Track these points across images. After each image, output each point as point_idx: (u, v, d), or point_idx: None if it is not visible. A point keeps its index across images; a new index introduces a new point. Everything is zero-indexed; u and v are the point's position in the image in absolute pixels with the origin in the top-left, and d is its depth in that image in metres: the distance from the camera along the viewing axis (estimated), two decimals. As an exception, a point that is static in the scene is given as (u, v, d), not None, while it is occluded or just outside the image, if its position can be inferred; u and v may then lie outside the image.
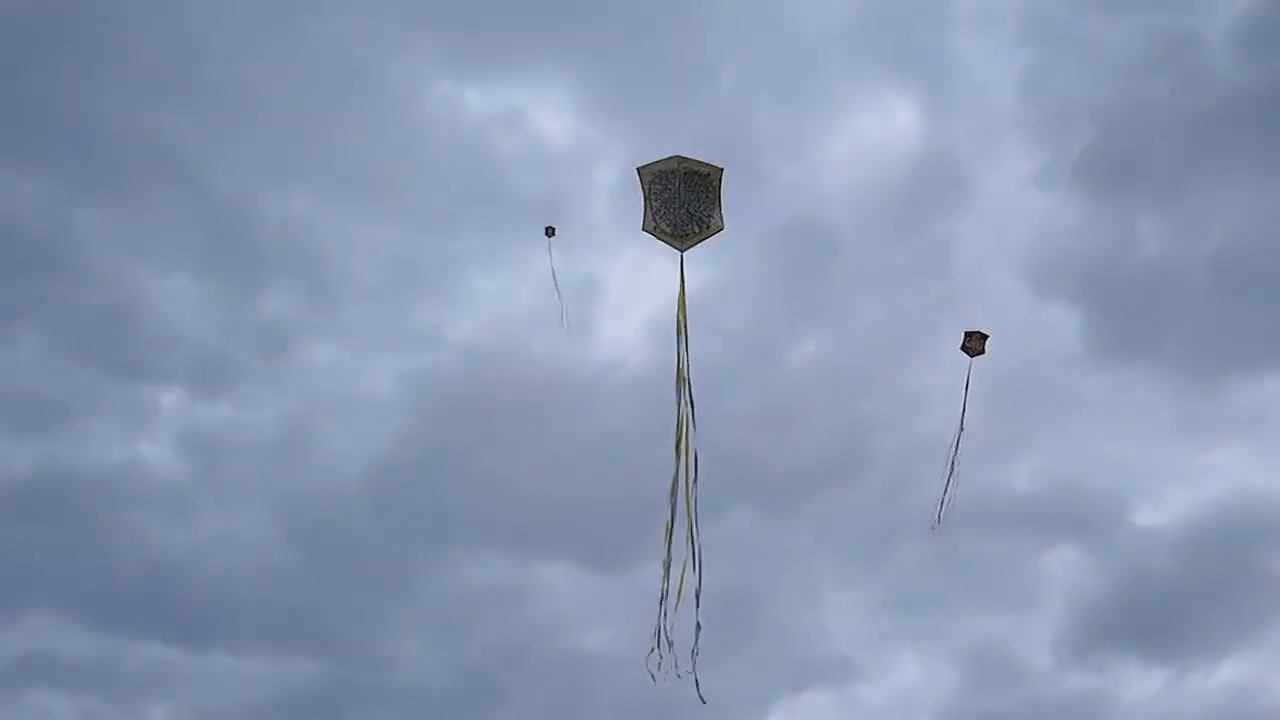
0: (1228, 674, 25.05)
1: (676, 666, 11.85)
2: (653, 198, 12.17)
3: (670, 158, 12.22)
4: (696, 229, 12.19)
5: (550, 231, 13.61)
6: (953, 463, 14.97)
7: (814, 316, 26.62)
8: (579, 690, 24.95)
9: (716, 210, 12.21)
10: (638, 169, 12.26)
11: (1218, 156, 25.03)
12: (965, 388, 15.15)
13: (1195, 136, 24.96)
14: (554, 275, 13.08)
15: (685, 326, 12.25)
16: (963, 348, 15.24)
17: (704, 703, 11.73)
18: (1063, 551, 26.07)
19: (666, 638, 11.85)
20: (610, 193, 25.90)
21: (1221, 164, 25.05)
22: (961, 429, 15.06)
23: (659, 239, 12.25)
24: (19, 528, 25.11)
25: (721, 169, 12.23)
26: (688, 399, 12.21)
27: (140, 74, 25.13)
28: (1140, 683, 25.25)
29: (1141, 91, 25.26)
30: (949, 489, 15.03)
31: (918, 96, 26.79)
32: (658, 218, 12.17)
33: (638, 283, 26.94)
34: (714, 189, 12.19)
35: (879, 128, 27.11)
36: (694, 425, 12.17)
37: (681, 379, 12.19)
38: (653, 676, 11.91)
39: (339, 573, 25.71)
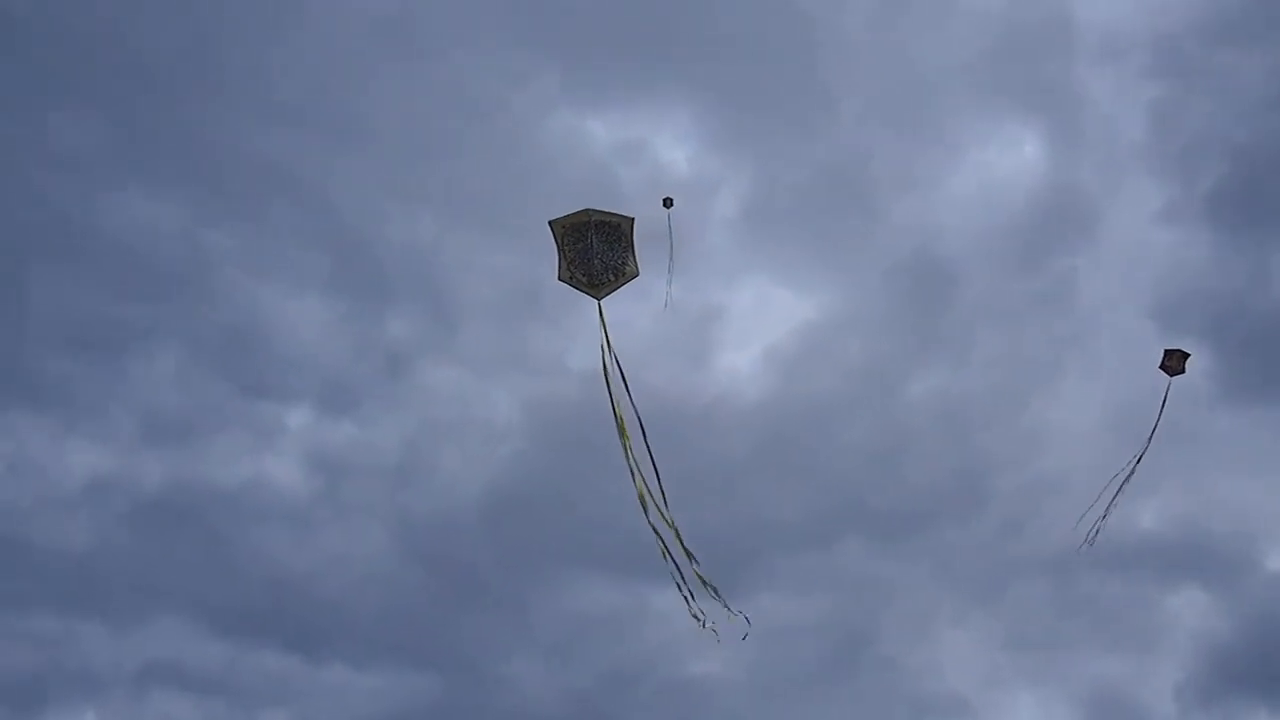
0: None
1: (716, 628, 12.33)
2: (566, 248, 12.51)
3: (581, 211, 12.55)
4: (612, 277, 12.55)
5: (668, 203, 13.72)
6: (1122, 485, 14.67)
7: (933, 351, 26.43)
8: (691, 716, 24.93)
9: (631, 258, 12.56)
10: (549, 222, 12.58)
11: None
12: (1161, 407, 14.88)
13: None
14: (670, 248, 13.19)
15: (610, 375, 12.54)
16: (1162, 366, 15.01)
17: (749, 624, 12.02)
18: (1188, 594, 25.41)
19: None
20: (730, 222, 26.13)
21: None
22: (1146, 448, 14.77)
23: (576, 288, 12.60)
24: (149, 538, 26.03)
25: (632, 219, 12.58)
26: (630, 452, 12.54)
27: (270, 104, 26.13)
28: (1268, 733, 24.39)
29: (1275, 125, 24.66)
30: (1108, 512, 14.70)
31: (1043, 129, 26.62)
32: (573, 268, 12.53)
33: (757, 312, 27.09)
34: (626, 237, 12.53)
35: (1002, 161, 26.97)
36: (637, 464, 12.55)
37: (621, 428, 12.51)
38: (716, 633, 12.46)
39: (454, 592, 26.14)
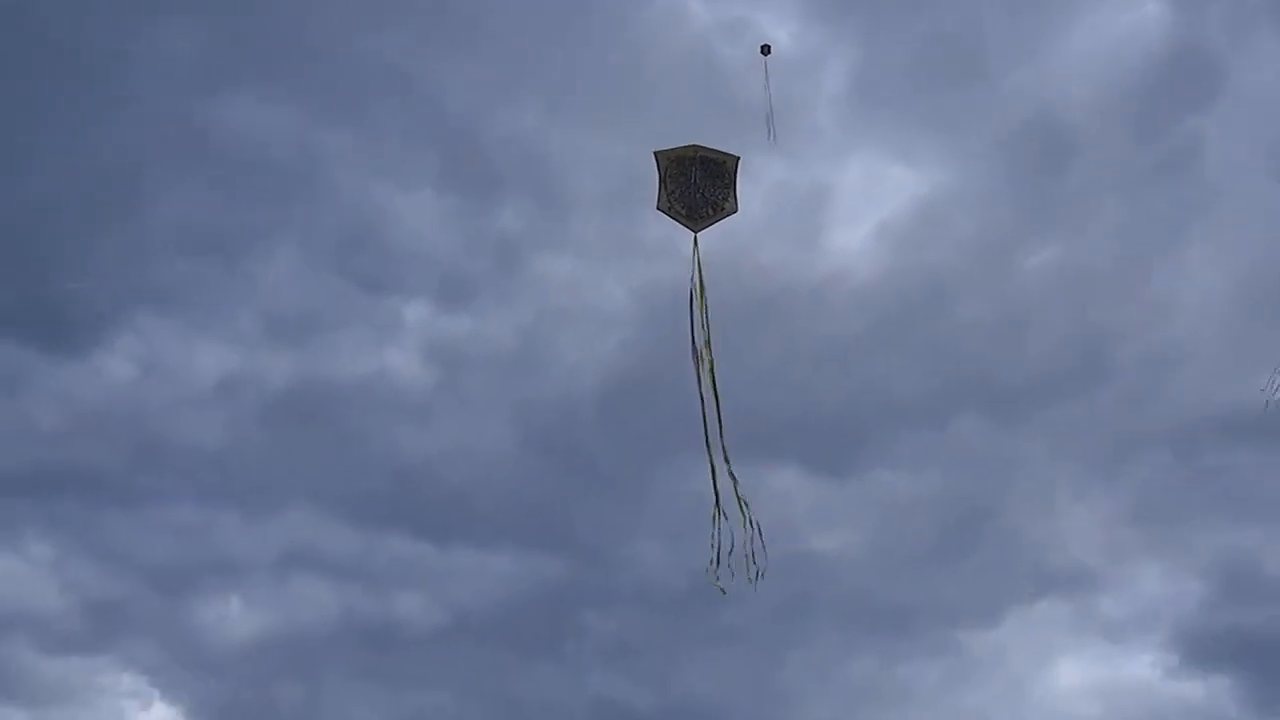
0: None
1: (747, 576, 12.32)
2: (668, 179, 12.57)
3: (688, 146, 12.62)
4: (710, 211, 12.58)
5: (766, 50, 13.50)
6: None
7: (1051, 221, 25.81)
8: (808, 592, 25.29)
9: (731, 195, 12.61)
10: (655, 153, 12.64)
11: None
12: None
13: None
14: (768, 95, 13.03)
15: (696, 310, 12.52)
16: None
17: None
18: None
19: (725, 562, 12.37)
20: (837, 99, 25.61)
21: None
22: None
23: (673, 219, 12.64)
24: (280, 432, 26.97)
25: (738, 157, 12.60)
26: (709, 376, 12.44)
27: (376, 3, 26.04)
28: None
29: None
30: None
31: (1163, -18, 25.31)
32: (672, 199, 12.58)
33: (867, 190, 26.67)
34: (730, 175, 12.59)
35: (1120, 20, 25.79)
36: (717, 397, 12.42)
37: (701, 359, 12.46)
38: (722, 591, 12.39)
39: (574, 478, 26.64)
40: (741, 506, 12.43)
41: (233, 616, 26.17)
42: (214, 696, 25.63)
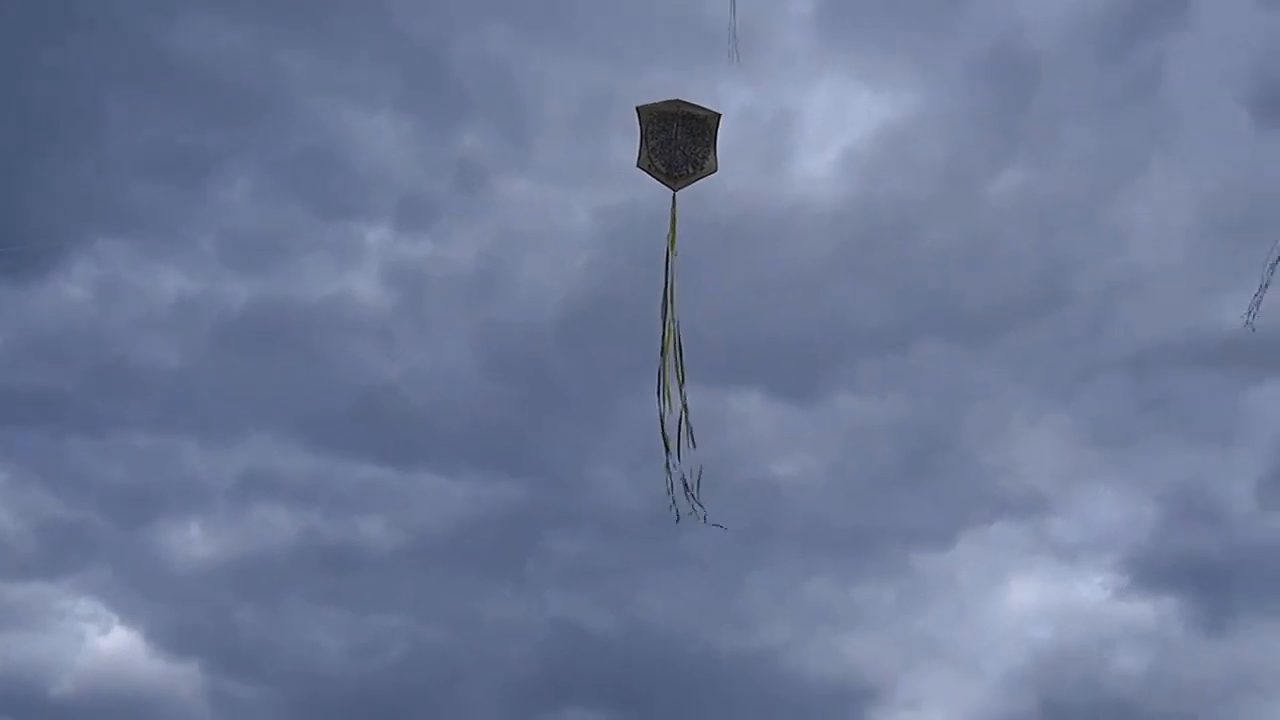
0: None
1: (694, 510, 12.35)
2: (649, 136, 12.49)
3: (669, 101, 12.52)
4: (690, 170, 12.52)
5: None
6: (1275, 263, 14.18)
7: (1014, 147, 25.80)
8: (771, 516, 25.59)
9: (711, 153, 12.56)
10: (637, 108, 12.53)
11: None
12: None
13: None
14: (733, 12, 12.90)
15: (671, 266, 12.48)
16: None
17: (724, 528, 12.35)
18: (1273, 389, 25.09)
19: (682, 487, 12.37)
20: (803, 20, 25.39)
21: None
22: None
23: (653, 176, 12.56)
24: (239, 357, 26.78)
25: (719, 114, 12.53)
26: (674, 327, 12.51)
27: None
28: (1352, 526, 24.45)
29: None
30: (1266, 285, 14.26)
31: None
32: (653, 155, 12.49)
33: (833, 115, 26.55)
34: (710, 132, 12.53)
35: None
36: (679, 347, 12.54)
37: (669, 309, 12.48)
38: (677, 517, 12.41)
39: (538, 401, 26.72)
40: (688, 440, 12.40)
41: (192, 541, 26.21)
42: (174, 621, 25.84)
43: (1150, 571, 25.40)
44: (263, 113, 26.25)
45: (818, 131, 26.22)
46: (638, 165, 12.60)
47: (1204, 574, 24.91)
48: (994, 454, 26.23)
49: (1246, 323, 14.15)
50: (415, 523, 26.37)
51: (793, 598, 25.90)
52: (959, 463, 26.23)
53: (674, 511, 12.42)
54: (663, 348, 12.48)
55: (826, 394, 26.53)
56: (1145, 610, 25.24)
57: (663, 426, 12.43)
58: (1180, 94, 24.66)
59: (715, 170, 12.63)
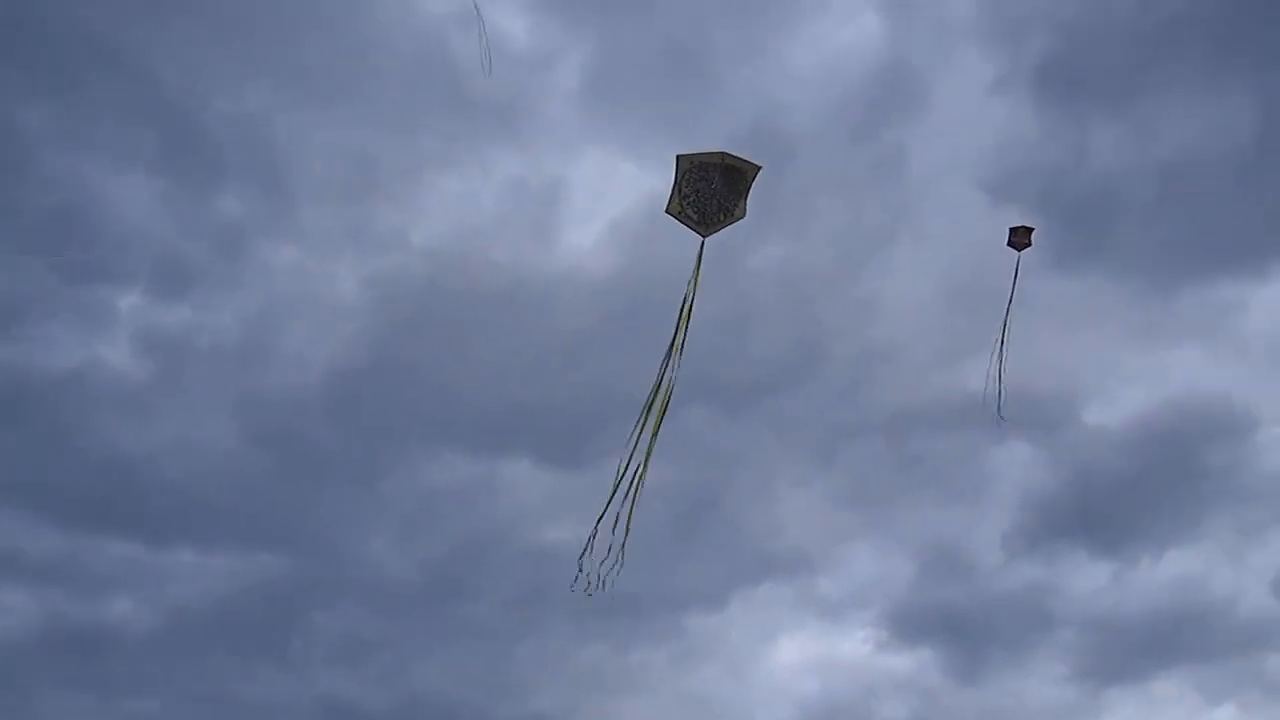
0: (1171, 567, 26.49)
1: (602, 582, 12.61)
2: (684, 184, 12.49)
3: (716, 152, 12.53)
4: (722, 217, 12.60)
5: None
6: (1000, 355, 15.21)
7: (773, 223, 26.85)
8: (541, 584, 25.54)
9: (742, 202, 12.62)
10: (678, 156, 12.50)
11: (1169, 68, 25.24)
12: (1014, 281, 15.35)
13: (1148, 47, 25.14)
14: (476, 6, 12.88)
15: (686, 315, 12.66)
16: (1009, 243, 15.44)
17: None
18: (1014, 448, 26.88)
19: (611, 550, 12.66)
20: (570, 95, 25.93)
21: (1173, 75, 25.26)
22: (1006, 323, 15.30)
23: (682, 223, 12.62)
24: (-20, 427, 25.10)
25: (760, 167, 12.57)
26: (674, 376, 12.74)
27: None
28: (1087, 575, 26.57)
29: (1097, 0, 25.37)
30: (1001, 378, 15.28)
31: (878, 2, 26.76)
32: (685, 203, 12.51)
33: (600, 187, 27.13)
34: (747, 183, 12.58)
35: (839, 34, 27.15)
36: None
37: (676, 351, 12.72)
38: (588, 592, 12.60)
39: (302, 472, 26.07)
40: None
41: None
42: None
43: (908, 624, 26.75)
44: (6, 172, 24.94)
45: (585, 202, 26.72)
46: (667, 211, 12.49)
47: (957, 624, 26.36)
48: (760, 515, 27.08)
49: (996, 413, 15.28)
50: (169, 601, 25.20)
51: (567, 664, 25.95)
52: (727, 525, 26.97)
53: (584, 580, 12.43)
54: (649, 402, 12.51)
55: (593, 459, 26.80)
56: (905, 661, 26.48)
57: (631, 483, 12.61)
58: (922, 175, 26.31)
59: (744, 217, 12.60)
